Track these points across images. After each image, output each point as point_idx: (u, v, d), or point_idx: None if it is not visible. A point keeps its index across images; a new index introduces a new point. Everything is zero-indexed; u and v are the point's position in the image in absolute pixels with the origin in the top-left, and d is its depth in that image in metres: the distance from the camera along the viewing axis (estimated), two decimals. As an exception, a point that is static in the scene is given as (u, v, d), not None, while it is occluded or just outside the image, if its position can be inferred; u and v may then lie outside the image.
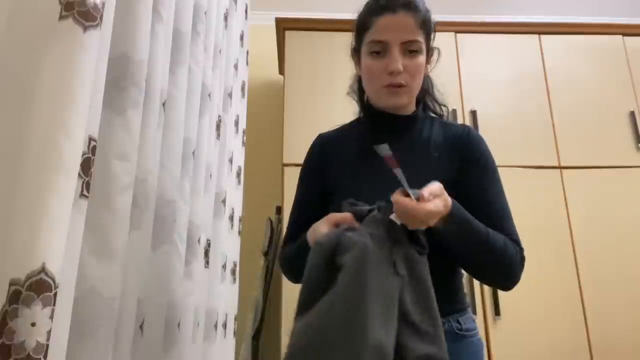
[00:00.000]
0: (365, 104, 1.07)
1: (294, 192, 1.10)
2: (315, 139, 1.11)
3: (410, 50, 0.93)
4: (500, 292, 1.87)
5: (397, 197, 0.74)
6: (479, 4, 2.74)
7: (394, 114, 1.01)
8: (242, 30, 1.90)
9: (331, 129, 1.12)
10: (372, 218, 0.78)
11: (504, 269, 0.90)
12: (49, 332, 0.51)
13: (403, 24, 0.92)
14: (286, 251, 1.05)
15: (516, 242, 0.92)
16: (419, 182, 0.89)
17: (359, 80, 1.08)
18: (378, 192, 0.83)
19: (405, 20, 0.92)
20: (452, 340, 0.86)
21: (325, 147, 1.08)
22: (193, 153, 1.10)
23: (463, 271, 0.98)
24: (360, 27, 0.98)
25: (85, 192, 0.61)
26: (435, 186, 0.79)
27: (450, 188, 0.90)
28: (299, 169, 1.11)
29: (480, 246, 0.86)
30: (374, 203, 0.84)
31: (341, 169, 1.02)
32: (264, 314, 2.14)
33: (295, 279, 1.01)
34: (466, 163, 0.97)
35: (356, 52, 1.03)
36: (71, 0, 0.57)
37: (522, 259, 0.92)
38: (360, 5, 1.02)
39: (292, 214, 1.08)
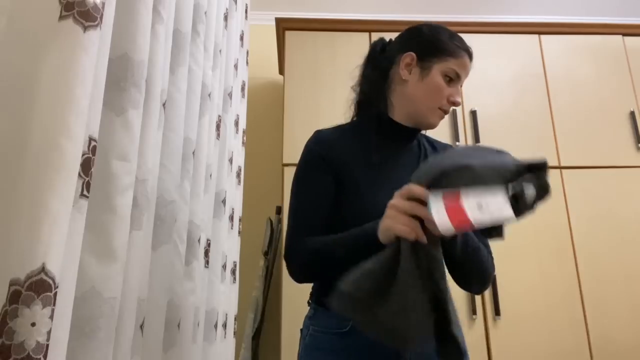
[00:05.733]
0: (377, 110, 1.06)
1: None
2: (314, 136, 1.06)
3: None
4: (500, 292, 1.87)
5: None
6: (479, 4, 2.74)
7: (407, 126, 1.05)
8: (242, 30, 1.90)
9: (328, 128, 1.09)
10: None
11: (486, 274, 0.97)
12: (49, 332, 0.51)
13: (469, 70, 1.06)
14: (321, 242, 0.96)
15: (490, 250, 1.00)
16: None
17: (377, 83, 1.08)
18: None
19: (470, 69, 1.06)
20: None
21: (333, 142, 1.04)
22: (193, 153, 1.10)
23: None
24: (442, 47, 1.03)
25: (85, 192, 0.61)
26: None
27: None
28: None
29: (476, 253, 0.92)
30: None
31: (357, 170, 1.00)
32: (264, 314, 2.14)
33: (322, 271, 0.96)
34: None
35: (419, 61, 1.03)
36: (71, 0, 0.57)
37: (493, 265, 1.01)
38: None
39: (303, 209, 1.01)
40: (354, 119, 1.13)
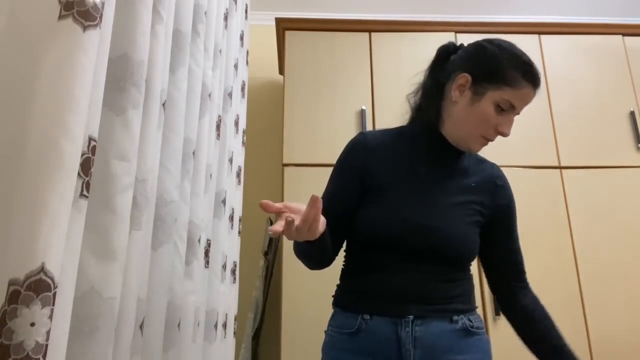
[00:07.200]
0: (428, 122, 1.04)
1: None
2: (359, 137, 1.06)
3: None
4: (500, 292, 1.87)
5: None
6: (479, 4, 2.74)
7: (454, 145, 1.02)
8: (242, 30, 1.90)
9: (374, 130, 1.10)
10: None
11: None
12: (48, 332, 0.51)
13: (531, 100, 0.99)
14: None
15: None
16: (458, 206, 0.99)
17: (432, 95, 1.04)
18: (428, 213, 0.96)
19: (534, 97, 0.99)
20: (464, 336, 0.97)
21: (372, 148, 1.04)
22: (193, 153, 1.10)
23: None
24: (500, 75, 0.95)
25: (85, 192, 0.61)
26: None
27: (480, 216, 1.01)
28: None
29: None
30: (423, 222, 0.95)
31: (391, 177, 1.01)
32: (264, 314, 2.14)
33: (314, 266, 1.03)
34: (500, 207, 1.05)
35: (473, 85, 0.97)
36: None
37: None
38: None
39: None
40: (408, 123, 1.10)
